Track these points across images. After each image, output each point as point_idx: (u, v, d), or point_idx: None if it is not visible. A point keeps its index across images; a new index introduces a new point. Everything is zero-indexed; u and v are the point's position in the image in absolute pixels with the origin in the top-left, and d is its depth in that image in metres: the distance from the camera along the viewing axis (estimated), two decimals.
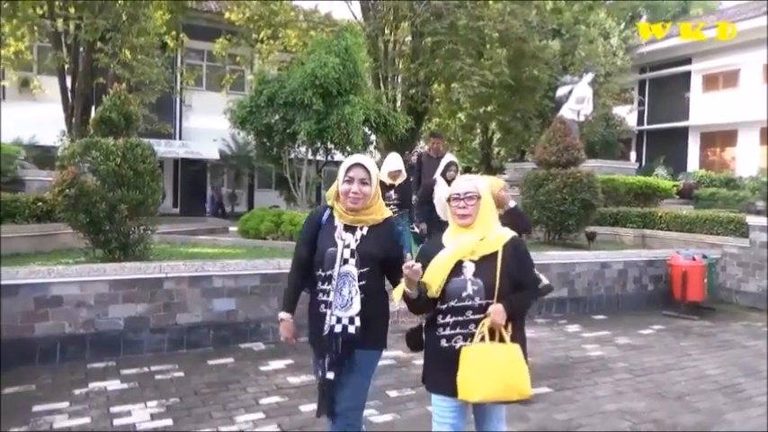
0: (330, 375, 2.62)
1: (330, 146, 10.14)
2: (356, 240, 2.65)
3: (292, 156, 10.44)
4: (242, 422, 3.85)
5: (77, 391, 4.33)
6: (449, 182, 6.79)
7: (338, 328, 2.60)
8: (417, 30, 14.89)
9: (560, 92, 12.75)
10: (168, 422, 3.82)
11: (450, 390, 2.46)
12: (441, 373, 2.51)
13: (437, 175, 7.07)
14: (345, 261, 2.62)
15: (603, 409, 4.31)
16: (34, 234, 6.81)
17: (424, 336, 2.66)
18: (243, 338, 5.67)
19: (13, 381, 4.46)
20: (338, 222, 2.69)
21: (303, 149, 10.23)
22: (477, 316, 2.43)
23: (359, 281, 2.60)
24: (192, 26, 16.85)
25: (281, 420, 3.89)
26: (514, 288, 2.50)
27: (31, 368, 4.78)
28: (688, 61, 19.91)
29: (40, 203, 6.81)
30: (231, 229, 11.66)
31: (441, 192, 6.80)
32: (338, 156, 10.90)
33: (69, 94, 12.68)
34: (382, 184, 6.81)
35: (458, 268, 2.48)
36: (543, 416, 4.14)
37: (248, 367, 5.01)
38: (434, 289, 2.46)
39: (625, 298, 8.02)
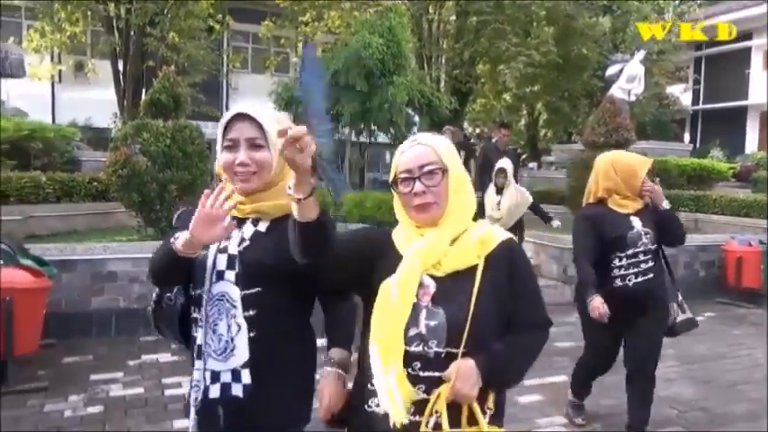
0: None
1: (373, 127, 10.15)
2: (241, 242, 1.62)
3: (336, 137, 10.49)
4: None
5: (131, 363, 4.53)
6: (498, 189, 6.38)
7: (214, 392, 1.59)
8: (462, 9, 14.66)
9: (610, 71, 12.33)
10: None
11: None
12: None
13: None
14: (220, 275, 1.60)
15: None
16: (90, 212, 7.10)
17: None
18: None
19: (73, 351, 4.70)
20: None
21: (346, 131, 10.27)
22: (431, 373, 1.37)
23: (244, 309, 1.58)
24: (237, 9, 17.04)
25: None
26: (503, 329, 1.45)
27: (89, 339, 5.01)
28: (748, 37, 18.94)
29: (95, 183, 7.07)
30: None
31: (487, 200, 6.41)
32: (382, 137, 10.93)
33: (121, 77, 13.09)
34: None
35: None
36: (589, 401, 4.05)
37: None
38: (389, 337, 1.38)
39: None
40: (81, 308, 5.09)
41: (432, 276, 1.43)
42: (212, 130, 16.15)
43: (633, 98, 12.03)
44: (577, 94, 15.74)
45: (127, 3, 12.12)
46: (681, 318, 3.33)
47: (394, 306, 1.38)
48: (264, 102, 11.65)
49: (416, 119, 11.15)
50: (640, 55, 11.86)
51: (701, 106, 20.74)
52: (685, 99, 20.34)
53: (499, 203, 6.33)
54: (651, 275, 3.17)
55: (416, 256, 1.41)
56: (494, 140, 9.04)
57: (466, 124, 28.27)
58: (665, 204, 3.22)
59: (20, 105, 10.35)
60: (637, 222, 3.16)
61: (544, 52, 12.55)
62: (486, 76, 17.15)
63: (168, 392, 3.97)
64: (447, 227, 1.46)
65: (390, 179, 1.52)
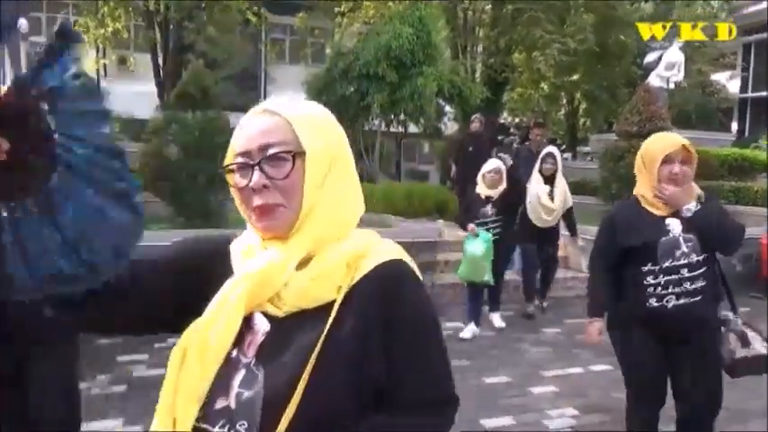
0: None
1: (403, 117, 10.20)
2: None
3: (367, 128, 10.57)
4: None
5: (157, 345, 4.70)
6: (545, 177, 5.75)
7: None
8: None
9: (649, 58, 11.98)
10: None
11: None
12: None
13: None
14: None
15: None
16: None
17: None
18: None
19: None
20: None
21: (377, 122, 10.34)
22: None
23: None
24: (274, 2, 17.27)
25: None
26: (366, 406, 0.88)
27: None
28: None
29: (132, 173, 7.34)
30: None
31: (534, 189, 5.72)
32: (412, 128, 10.95)
33: (161, 71, 13.49)
34: (477, 197, 5.25)
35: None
36: (600, 393, 4.06)
37: None
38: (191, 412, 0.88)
39: None
40: None
41: (268, 315, 0.91)
42: None
43: (672, 86, 11.68)
44: (617, 82, 15.39)
45: None
46: (742, 354, 2.51)
47: (194, 361, 0.89)
48: (298, 92, 11.81)
49: (448, 108, 11.15)
50: (679, 41, 11.48)
51: (749, 94, 19.93)
52: (733, 86, 19.56)
53: (551, 193, 5.73)
54: (699, 297, 2.41)
55: (242, 286, 0.90)
56: (527, 144, 8.69)
57: (505, 114, 27.96)
58: (686, 210, 2.42)
59: None
60: (675, 226, 2.43)
61: (580, 40, 12.31)
62: (523, 64, 16.93)
63: None
64: (299, 242, 0.93)
65: (224, 164, 0.98)
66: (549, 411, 3.79)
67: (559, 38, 12.15)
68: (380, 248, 0.96)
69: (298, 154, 0.92)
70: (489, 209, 5.13)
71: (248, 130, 0.95)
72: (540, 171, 5.81)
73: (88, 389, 3.83)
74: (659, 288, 2.43)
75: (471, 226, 5.14)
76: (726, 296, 2.60)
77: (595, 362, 4.67)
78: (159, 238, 5.49)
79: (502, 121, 28.67)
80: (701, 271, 2.44)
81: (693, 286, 2.40)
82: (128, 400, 3.70)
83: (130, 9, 13.67)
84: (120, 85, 18.77)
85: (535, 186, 5.73)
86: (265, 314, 0.91)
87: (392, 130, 10.87)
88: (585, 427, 3.59)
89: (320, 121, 0.98)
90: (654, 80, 11.45)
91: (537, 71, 14.99)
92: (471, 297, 5.35)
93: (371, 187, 8.79)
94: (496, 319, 5.61)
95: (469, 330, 5.25)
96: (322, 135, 0.95)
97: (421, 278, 0.98)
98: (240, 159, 0.94)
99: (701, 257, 2.44)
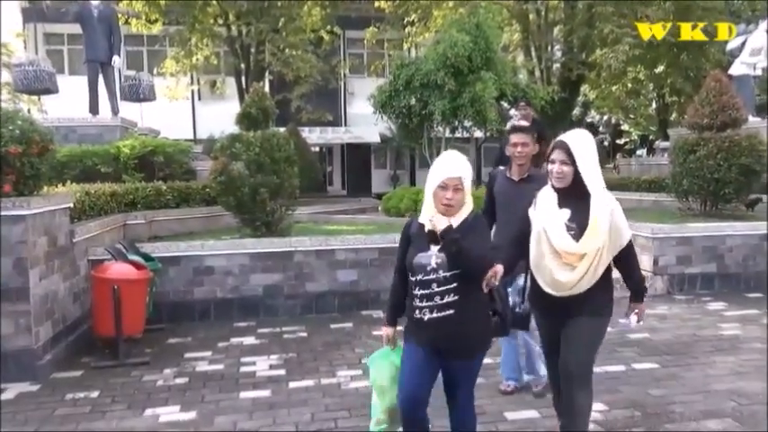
0: None
1: (468, 123, 10.29)
2: None
3: (432, 135, 10.75)
4: (341, 376, 4.37)
5: (221, 344, 5.21)
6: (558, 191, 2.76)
7: None
8: None
9: (732, 44, 11.24)
10: (282, 372, 4.49)
11: None
12: None
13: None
14: None
15: (710, 388, 4.06)
16: (203, 215, 8.06)
17: None
18: (364, 306, 6.22)
19: (177, 333, 5.50)
20: None
21: (440, 129, 10.51)
22: None
23: None
24: (350, 18, 17.94)
25: None
26: None
27: (192, 324, 5.82)
28: None
29: (207, 189, 8.01)
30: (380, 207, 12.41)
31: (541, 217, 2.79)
32: (478, 133, 11.02)
33: (244, 92, 14.45)
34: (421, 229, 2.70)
35: None
36: (636, 390, 4.04)
37: (363, 331, 5.55)
38: None
39: None
40: (185, 298, 5.92)
41: None
42: (332, 134, 17.45)
43: (759, 72, 10.92)
44: (704, 72, 14.56)
45: (244, 25, 13.39)
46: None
47: None
48: (367, 104, 12.19)
49: (513, 112, 11.07)
50: (765, 24, 10.71)
51: None
52: None
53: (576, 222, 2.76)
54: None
55: None
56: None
57: (593, 112, 27.00)
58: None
59: (165, 123, 11.76)
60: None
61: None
62: (601, 61, 16.43)
63: (242, 369, 4.57)
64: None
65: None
66: None
67: (630, 31, 11.73)
68: None
69: None
70: (435, 255, 2.49)
71: None
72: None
73: (154, 381, 4.35)
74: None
75: (387, 330, 2.87)
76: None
77: (640, 360, 4.63)
78: (229, 247, 6.05)
79: (590, 120, 27.68)
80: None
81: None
82: (186, 391, 4.16)
83: (215, 37, 14.76)
84: (212, 106, 20.31)
85: (543, 211, 2.77)
86: None
87: (457, 135, 10.98)
88: (611, 422, 3.60)
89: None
90: (738, 68, 10.79)
91: (608, 68, 14.50)
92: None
93: None
94: None
95: None
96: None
97: None
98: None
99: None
